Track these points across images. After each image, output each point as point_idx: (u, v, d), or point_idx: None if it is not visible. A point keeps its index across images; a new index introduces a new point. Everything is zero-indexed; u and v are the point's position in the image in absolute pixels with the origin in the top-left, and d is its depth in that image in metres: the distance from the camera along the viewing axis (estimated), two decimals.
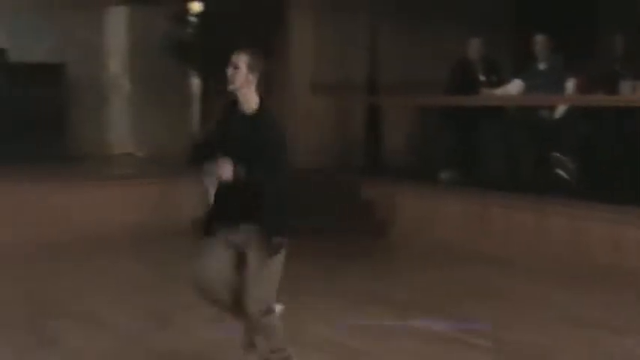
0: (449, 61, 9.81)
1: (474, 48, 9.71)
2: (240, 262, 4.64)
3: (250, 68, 4.50)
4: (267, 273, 4.59)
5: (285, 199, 4.64)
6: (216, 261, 4.61)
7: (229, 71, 4.54)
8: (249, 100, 4.53)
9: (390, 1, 10.78)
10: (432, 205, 9.50)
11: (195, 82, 11.86)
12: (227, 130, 4.62)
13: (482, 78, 9.74)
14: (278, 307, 4.83)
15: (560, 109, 9.01)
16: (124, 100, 12.67)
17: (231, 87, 4.57)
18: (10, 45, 11.49)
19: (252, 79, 4.54)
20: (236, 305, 4.70)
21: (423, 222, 9.49)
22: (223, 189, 4.63)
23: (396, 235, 9.82)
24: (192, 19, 11.20)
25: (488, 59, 9.84)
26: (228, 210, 4.65)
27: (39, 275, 7.84)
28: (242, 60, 4.53)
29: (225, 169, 4.42)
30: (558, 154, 8.89)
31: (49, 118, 11.31)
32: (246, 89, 4.54)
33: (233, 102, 4.63)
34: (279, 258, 4.60)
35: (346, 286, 7.34)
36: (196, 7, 11.22)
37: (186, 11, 11.26)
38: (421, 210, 9.60)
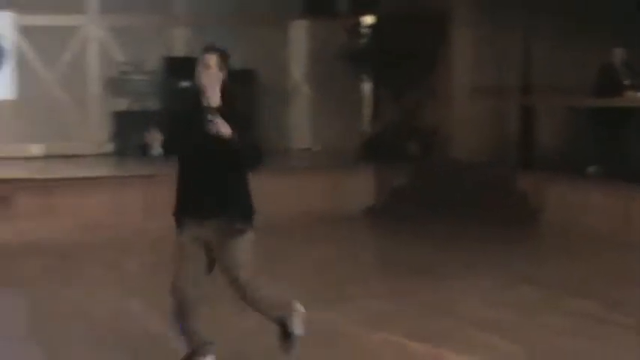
0: (595, 68, 10.74)
1: (618, 56, 10.69)
2: (209, 251, 4.97)
3: (219, 67, 4.89)
4: (242, 253, 4.95)
5: (247, 187, 5.00)
6: (192, 270, 4.92)
7: (200, 69, 4.90)
8: (215, 95, 4.90)
9: (543, 17, 11.73)
10: (580, 197, 10.35)
11: (367, 86, 13.28)
12: (193, 121, 4.87)
13: (626, 82, 10.69)
14: (298, 308, 5.21)
15: None
16: (304, 101, 14.13)
17: (200, 82, 4.91)
18: None
19: (220, 76, 4.93)
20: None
21: (572, 212, 10.31)
22: (190, 182, 4.93)
23: (547, 223, 10.71)
24: (365, 31, 12.54)
25: (630, 65, 10.77)
26: (195, 204, 4.94)
27: None
28: (213, 60, 4.91)
29: (225, 126, 4.69)
30: None
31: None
32: (214, 85, 4.90)
33: (197, 95, 4.95)
34: (249, 238, 4.96)
35: (502, 268, 8.15)
36: (369, 20, 12.58)
37: (359, 24, 12.62)
38: (570, 201, 10.47)
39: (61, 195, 10.87)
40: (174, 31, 13.68)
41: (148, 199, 10.56)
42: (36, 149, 13.34)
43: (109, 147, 13.21)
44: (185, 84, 12.53)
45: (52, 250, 9.55)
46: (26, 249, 9.55)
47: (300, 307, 5.25)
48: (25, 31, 13.28)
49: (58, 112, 13.52)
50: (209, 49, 4.97)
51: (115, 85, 13.22)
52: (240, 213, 4.93)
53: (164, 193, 10.25)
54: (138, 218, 10.39)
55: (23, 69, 13.36)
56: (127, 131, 12.72)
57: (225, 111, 4.80)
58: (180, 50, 13.42)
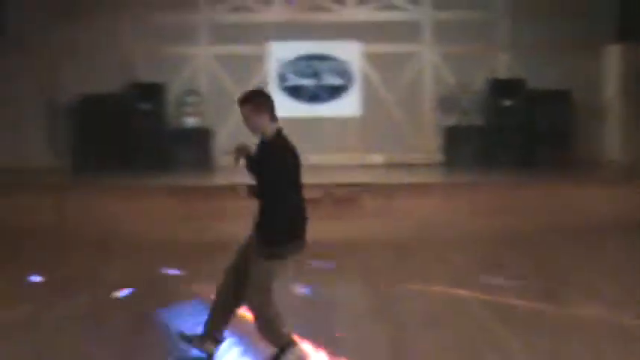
0: None
1: None
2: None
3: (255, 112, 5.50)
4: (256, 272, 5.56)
5: (272, 216, 5.50)
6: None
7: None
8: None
9: None
10: None
11: None
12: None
13: None
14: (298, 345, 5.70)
15: None
16: (616, 118, 14.42)
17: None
18: (527, 75, 13.99)
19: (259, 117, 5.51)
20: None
21: None
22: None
23: None
24: None
25: None
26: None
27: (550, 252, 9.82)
28: (246, 110, 5.53)
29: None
30: None
31: (556, 132, 13.74)
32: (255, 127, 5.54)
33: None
34: (264, 263, 5.51)
35: None
36: None
37: None
38: None
39: (399, 198, 11.85)
40: (496, 56, 14.62)
41: (473, 204, 11.59)
42: (377, 158, 14.67)
43: (440, 157, 14.40)
44: (507, 102, 13.92)
45: (392, 245, 10.28)
46: (371, 243, 10.40)
47: (299, 346, 5.74)
48: (370, 58, 14.74)
49: (396, 127, 14.82)
50: (240, 100, 5.61)
51: (445, 103, 14.54)
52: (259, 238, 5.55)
53: (487, 199, 11.71)
54: (463, 220, 11.29)
55: (367, 90, 14.85)
56: (456, 144, 14.15)
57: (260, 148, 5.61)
58: (502, 73, 14.45)
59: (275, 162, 5.49)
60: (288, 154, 5.57)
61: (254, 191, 5.56)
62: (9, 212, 11.30)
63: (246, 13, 14.65)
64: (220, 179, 13.00)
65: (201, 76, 14.82)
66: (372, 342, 6.53)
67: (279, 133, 5.61)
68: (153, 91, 14.13)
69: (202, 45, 14.77)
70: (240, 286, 5.67)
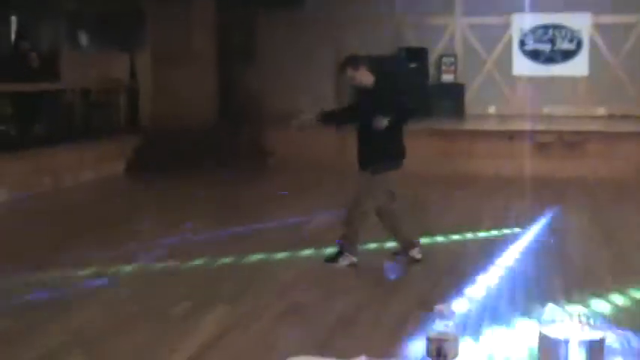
0: None
1: None
2: None
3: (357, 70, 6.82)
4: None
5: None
6: None
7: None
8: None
9: None
10: None
11: None
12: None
13: None
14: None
15: None
16: None
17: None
18: None
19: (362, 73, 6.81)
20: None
21: None
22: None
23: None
24: None
25: None
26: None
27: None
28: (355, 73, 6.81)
29: None
30: None
31: None
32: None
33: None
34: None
35: None
36: None
37: None
38: None
39: (619, 144, 12.87)
40: None
41: None
42: (600, 111, 15.94)
43: None
44: None
45: (613, 183, 11.41)
46: (595, 181, 11.56)
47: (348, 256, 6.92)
48: (597, 27, 16.19)
49: (618, 85, 15.99)
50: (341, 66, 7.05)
51: None
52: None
53: None
54: None
55: (594, 54, 16.23)
56: None
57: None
58: None
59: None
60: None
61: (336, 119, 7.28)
62: (297, 147, 13.27)
63: None
64: (470, 125, 14.94)
65: (456, 42, 16.98)
66: (597, 260, 7.37)
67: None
68: (418, 54, 16.45)
69: (458, 16, 16.94)
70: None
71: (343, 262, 6.91)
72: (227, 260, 7.46)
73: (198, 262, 7.39)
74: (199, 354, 5.08)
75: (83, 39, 16.77)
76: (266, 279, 6.84)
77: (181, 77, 14.40)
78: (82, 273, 7.00)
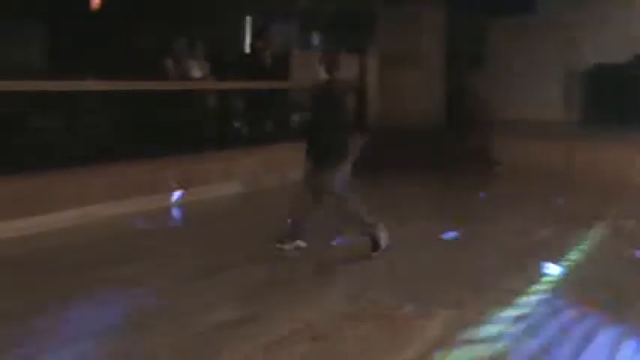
0: None
1: None
2: None
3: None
4: None
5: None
6: None
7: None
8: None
9: None
10: None
11: None
12: None
13: None
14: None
15: None
16: None
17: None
18: None
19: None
20: None
21: None
22: None
23: None
24: None
25: None
26: None
27: None
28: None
29: None
30: None
31: None
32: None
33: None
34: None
35: None
36: None
37: None
38: None
39: None
40: None
41: None
42: None
43: None
44: None
45: None
46: None
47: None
48: None
49: None
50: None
51: None
52: None
53: None
54: None
55: None
56: None
57: None
58: None
59: None
60: None
61: None
62: (523, 155, 13.38)
63: None
64: None
65: None
66: None
67: None
68: None
69: None
70: None
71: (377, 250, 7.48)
72: None
73: None
74: None
75: (314, 39, 17.06)
76: None
77: (409, 80, 14.42)
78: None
